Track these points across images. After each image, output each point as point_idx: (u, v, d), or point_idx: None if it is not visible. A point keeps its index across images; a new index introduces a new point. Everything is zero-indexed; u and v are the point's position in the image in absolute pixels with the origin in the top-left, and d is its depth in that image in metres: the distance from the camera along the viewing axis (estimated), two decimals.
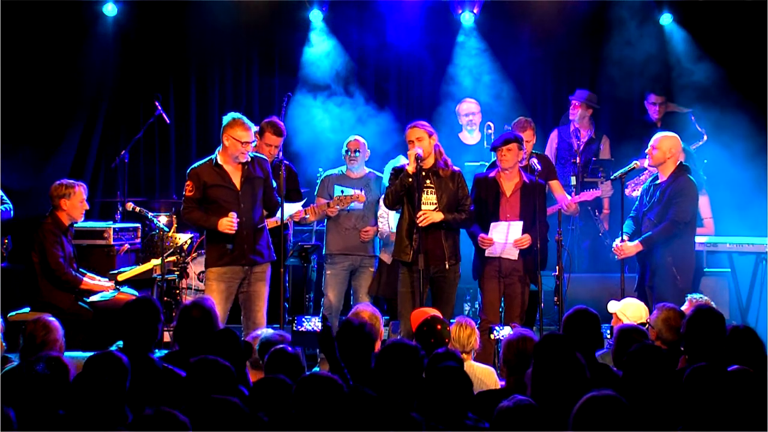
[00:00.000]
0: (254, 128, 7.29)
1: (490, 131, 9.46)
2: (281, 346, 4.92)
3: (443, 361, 4.44)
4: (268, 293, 7.36)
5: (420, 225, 7.29)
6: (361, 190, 8.16)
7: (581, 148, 9.65)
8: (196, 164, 7.35)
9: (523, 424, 3.79)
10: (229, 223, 7.06)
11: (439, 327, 5.70)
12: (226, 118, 7.25)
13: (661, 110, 9.90)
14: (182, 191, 7.33)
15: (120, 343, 5.17)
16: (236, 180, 7.21)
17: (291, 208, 7.92)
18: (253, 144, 7.27)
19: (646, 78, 10.20)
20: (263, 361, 5.00)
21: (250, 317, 7.25)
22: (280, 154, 8.22)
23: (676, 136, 7.89)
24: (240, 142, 7.13)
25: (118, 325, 5.21)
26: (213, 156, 7.27)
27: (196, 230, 8.74)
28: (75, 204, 7.95)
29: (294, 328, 5.95)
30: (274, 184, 7.49)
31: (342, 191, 8.17)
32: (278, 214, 7.52)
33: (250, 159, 7.24)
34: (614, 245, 7.69)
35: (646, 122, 9.89)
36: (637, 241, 7.59)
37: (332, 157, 9.12)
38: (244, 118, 7.22)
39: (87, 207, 8.09)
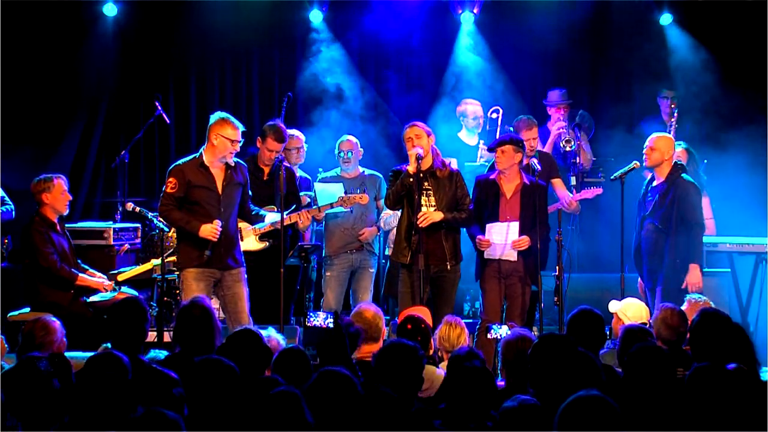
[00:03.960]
0: (242, 128, 7.23)
1: (497, 116, 9.47)
2: (291, 345, 4.91)
3: (467, 361, 4.39)
4: (251, 294, 7.30)
5: (421, 226, 7.29)
6: (358, 190, 8.13)
7: (578, 147, 9.61)
8: (180, 161, 7.28)
9: (527, 424, 3.78)
10: (213, 231, 7.02)
11: (409, 326, 5.65)
12: (214, 117, 7.19)
13: (673, 105, 9.85)
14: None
15: (108, 344, 5.17)
16: (219, 183, 7.16)
17: (276, 216, 7.71)
18: (241, 143, 7.21)
19: (646, 78, 10.18)
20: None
21: (235, 319, 7.18)
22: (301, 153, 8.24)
23: (671, 136, 7.91)
24: (229, 140, 7.09)
25: (106, 326, 5.20)
26: (197, 154, 7.22)
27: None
28: (57, 196, 7.92)
29: (306, 323, 5.90)
30: (251, 193, 7.44)
31: (334, 192, 8.06)
32: (276, 216, 7.48)
33: (233, 164, 7.20)
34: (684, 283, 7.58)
35: (645, 122, 9.88)
36: (692, 264, 7.53)
37: (331, 157, 9.11)
38: (232, 117, 7.19)
39: (70, 198, 8.04)
